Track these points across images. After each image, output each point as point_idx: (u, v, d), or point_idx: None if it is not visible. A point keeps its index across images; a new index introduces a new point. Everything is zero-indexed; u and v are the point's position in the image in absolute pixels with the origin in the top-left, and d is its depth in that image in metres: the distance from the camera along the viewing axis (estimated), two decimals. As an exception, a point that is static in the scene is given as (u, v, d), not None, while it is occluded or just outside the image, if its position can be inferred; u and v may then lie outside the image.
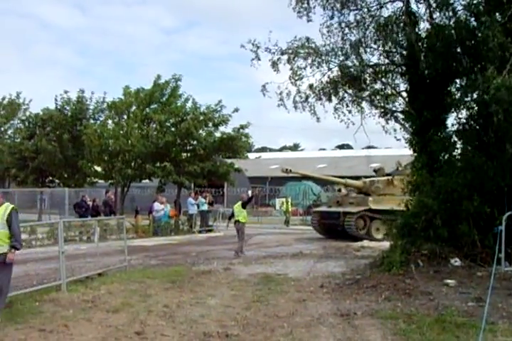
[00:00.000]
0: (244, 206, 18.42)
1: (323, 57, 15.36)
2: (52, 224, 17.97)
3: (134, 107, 30.80)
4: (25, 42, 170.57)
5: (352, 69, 15.20)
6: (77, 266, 13.15)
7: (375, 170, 27.72)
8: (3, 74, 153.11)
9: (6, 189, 41.11)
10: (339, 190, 27.01)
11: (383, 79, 15.46)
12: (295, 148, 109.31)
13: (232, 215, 18.85)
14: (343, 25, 14.91)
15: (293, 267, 14.90)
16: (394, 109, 15.74)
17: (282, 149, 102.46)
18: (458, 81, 13.97)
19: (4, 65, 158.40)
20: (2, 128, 46.19)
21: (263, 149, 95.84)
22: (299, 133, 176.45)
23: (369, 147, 49.62)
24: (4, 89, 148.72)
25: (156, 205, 26.58)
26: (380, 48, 14.82)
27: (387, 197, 23.51)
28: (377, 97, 15.73)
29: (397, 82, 15.44)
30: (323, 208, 26.74)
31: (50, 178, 39.53)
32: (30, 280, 12.03)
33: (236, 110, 28.47)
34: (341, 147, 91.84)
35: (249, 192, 24.67)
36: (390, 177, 25.05)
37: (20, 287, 11.00)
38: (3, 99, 47.61)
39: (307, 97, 16.05)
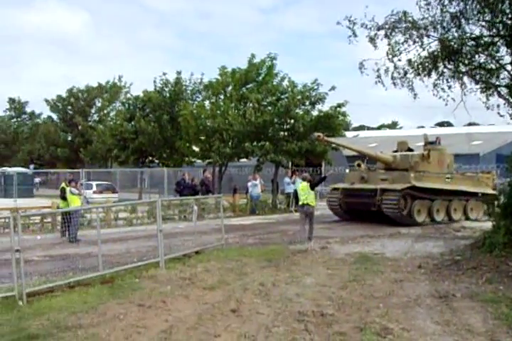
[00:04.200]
0: (312, 187, 16.55)
1: (422, 31, 14.81)
2: (152, 203, 18.46)
3: (230, 87, 31.07)
4: (129, 27, 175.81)
5: (452, 43, 14.59)
6: (175, 244, 13.48)
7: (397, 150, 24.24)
8: (110, 58, 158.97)
9: (109, 169, 42.74)
10: (358, 165, 23.20)
11: (486, 52, 14.74)
12: (393, 126, 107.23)
13: (296, 198, 17.21)
14: (442, -4, 14.31)
15: (390, 247, 14.71)
16: (497, 83, 15.00)
17: (380, 127, 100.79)
18: None
19: (111, 49, 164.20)
20: (105, 111, 47.95)
21: (361, 127, 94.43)
22: (399, 111, 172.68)
23: (470, 124, 47.86)
24: (110, 73, 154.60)
25: (251, 183, 27.09)
26: (482, 19, 14.10)
27: (425, 174, 21.58)
28: (479, 71, 15.03)
29: (500, 54, 14.68)
30: (346, 185, 22.75)
31: (150, 158, 40.69)
32: (130, 258, 12.50)
33: (333, 88, 28.13)
34: (441, 124, 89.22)
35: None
36: (425, 152, 22.43)
37: (121, 263, 11.45)
38: (107, 82, 49.48)
39: (405, 73, 15.56)
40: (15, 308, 8.17)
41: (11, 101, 69.17)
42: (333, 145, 26.19)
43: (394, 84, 15.76)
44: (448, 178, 22.20)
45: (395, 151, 23.87)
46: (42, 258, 13.08)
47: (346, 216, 22.91)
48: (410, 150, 23.74)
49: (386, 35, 15.11)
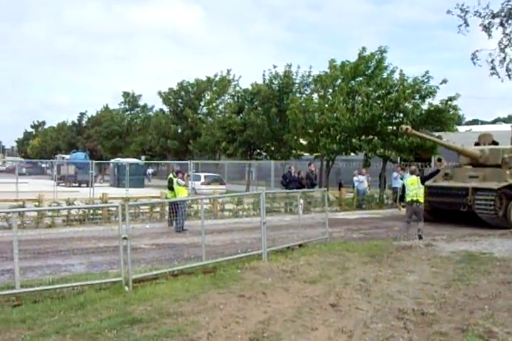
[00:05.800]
0: (423, 181, 15.62)
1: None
2: (257, 195, 18.64)
3: (339, 80, 30.85)
4: (241, 20, 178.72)
5: None
6: (279, 237, 13.56)
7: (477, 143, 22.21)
8: (221, 52, 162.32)
9: (217, 161, 43.59)
10: (439, 160, 20.26)
11: None
12: (509, 120, 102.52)
13: (403, 193, 16.22)
14: None
15: (500, 246, 14.10)
16: None
17: (495, 121, 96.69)
18: None
19: (223, 43, 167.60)
20: (214, 104, 48.84)
21: (474, 122, 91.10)
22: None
23: None
24: (221, 66, 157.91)
25: (357, 178, 26.85)
26: None
27: None
28: None
29: None
30: (428, 182, 19.00)
31: (258, 151, 41.05)
32: (234, 249, 12.72)
33: (444, 81, 27.40)
34: None
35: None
36: None
37: (225, 254, 11.68)
38: (215, 76, 50.39)
39: (523, 63, 14.89)
40: (121, 293, 8.51)
41: (125, 94, 71.93)
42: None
43: (509, 76, 15.13)
44: None
45: (477, 144, 22.07)
46: (149, 247, 13.60)
47: (429, 216, 19.91)
48: (495, 143, 21.69)
49: (501, 24, 14.49)
